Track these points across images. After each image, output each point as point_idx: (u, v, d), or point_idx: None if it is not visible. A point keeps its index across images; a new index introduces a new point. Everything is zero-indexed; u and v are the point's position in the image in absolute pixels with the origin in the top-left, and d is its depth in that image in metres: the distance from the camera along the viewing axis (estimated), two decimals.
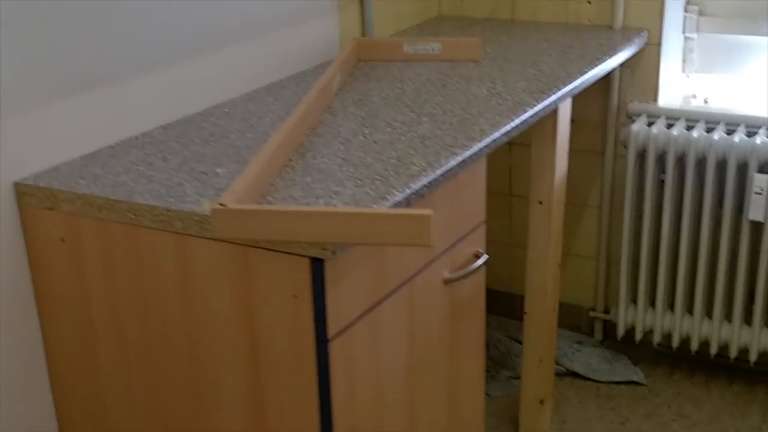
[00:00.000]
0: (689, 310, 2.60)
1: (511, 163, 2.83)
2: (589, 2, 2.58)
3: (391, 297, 1.53)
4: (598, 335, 2.84)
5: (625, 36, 2.48)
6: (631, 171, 2.53)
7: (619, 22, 2.55)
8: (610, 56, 2.28)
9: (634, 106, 2.59)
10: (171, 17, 1.80)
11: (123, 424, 1.61)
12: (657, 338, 2.64)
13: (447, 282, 1.70)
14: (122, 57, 1.71)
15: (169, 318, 1.48)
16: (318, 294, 1.35)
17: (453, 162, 1.59)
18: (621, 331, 2.68)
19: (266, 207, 1.30)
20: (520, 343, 2.71)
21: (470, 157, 1.64)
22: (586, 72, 2.14)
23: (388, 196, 1.44)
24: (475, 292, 1.82)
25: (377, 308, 1.50)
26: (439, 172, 1.55)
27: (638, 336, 2.66)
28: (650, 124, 2.51)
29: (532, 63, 2.22)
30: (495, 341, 2.77)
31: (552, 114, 2.13)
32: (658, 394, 2.59)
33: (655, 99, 2.59)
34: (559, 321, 2.65)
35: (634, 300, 2.66)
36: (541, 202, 2.20)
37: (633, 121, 2.55)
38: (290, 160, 1.61)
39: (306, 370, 1.39)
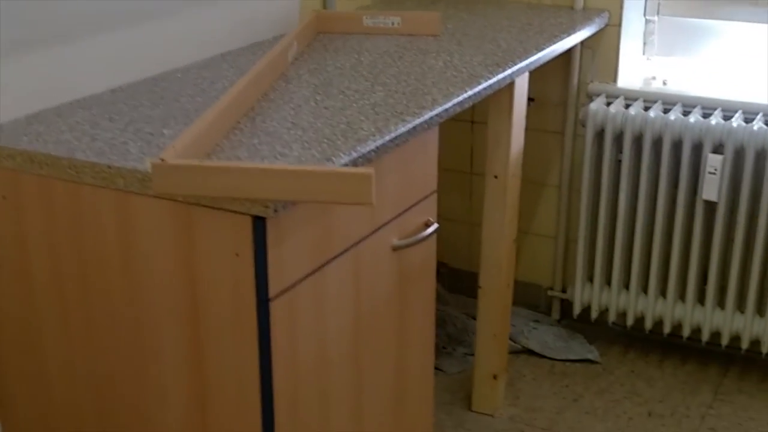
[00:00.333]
0: (644, 289, 2.62)
1: (473, 142, 2.84)
2: None
3: (337, 260, 1.54)
4: (556, 314, 2.85)
5: (586, 16, 2.49)
6: (589, 150, 2.54)
7: (580, 2, 2.57)
8: (569, 34, 2.29)
9: (594, 86, 2.61)
10: None
11: (61, 381, 1.60)
12: (612, 317, 2.66)
13: (395, 249, 1.71)
14: (71, 18, 1.69)
15: (109, 276, 1.48)
16: (260, 253, 1.35)
17: (402, 128, 1.59)
18: (577, 310, 2.69)
19: (205, 163, 1.30)
20: None
21: (420, 125, 1.64)
22: (543, 48, 2.15)
23: (334, 159, 1.44)
24: (425, 261, 1.82)
25: (322, 270, 1.50)
26: (387, 137, 1.55)
27: (594, 314, 2.68)
28: (609, 104, 2.52)
29: (491, 39, 2.22)
30: (452, 318, 2.78)
31: (508, 89, 2.13)
32: (612, 372, 2.61)
33: (614, 80, 2.60)
34: (516, 300, 2.67)
35: (590, 279, 2.68)
36: (496, 177, 2.21)
37: (592, 101, 2.56)
38: (239, 123, 1.60)
39: (247, 329, 1.39)
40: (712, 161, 2.37)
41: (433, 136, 1.79)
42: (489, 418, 2.42)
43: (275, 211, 1.32)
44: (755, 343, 2.53)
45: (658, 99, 2.51)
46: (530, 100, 2.57)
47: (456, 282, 2.96)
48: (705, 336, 2.56)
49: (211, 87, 1.81)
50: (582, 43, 2.58)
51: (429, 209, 1.82)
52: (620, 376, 2.59)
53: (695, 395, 2.51)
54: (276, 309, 1.39)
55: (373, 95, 1.76)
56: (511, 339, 2.67)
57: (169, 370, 1.49)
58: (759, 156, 2.37)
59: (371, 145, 1.51)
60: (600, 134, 2.53)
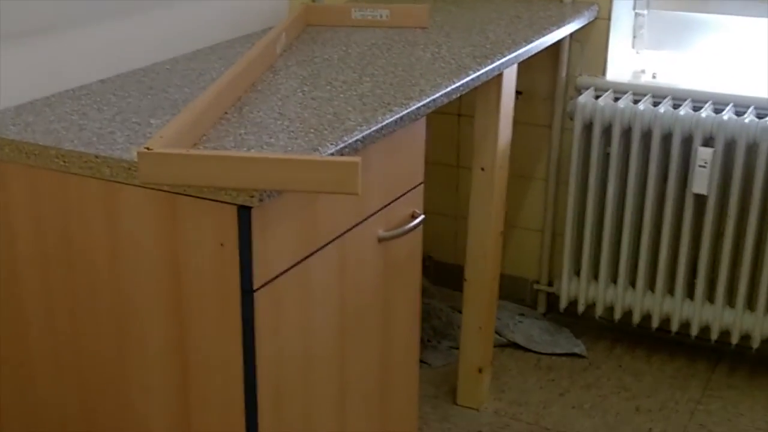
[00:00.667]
0: (632, 283, 2.62)
1: (459, 135, 2.83)
2: None
3: (323, 250, 1.53)
4: (542, 308, 2.86)
5: (575, 9, 2.49)
6: (577, 143, 2.54)
7: None
8: (558, 27, 2.29)
9: (583, 79, 2.61)
10: None
11: (45, 372, 1.60)
12: (599, 311, 2.66)
13: (381, 240, 1.70)
14: (61, 9, 1.68)
15: (95, 266, 1.47)
16: (244, 242, 1.35)
17: (389, 119, 1.59)
18: (564, 304, 2.69)
19: (192, 152, 1.29)
20: None
21: (407, 115, 1.64)
22: (532, 41, 2.14)
23: (320, 148, 1.44)
24: (410, 253, 1.82)
25: (307, 261, 1.49)
26: (374, 127, 1.55)
27: (581, 309, 2.68)
28: (597, 98, 2.52)
29: (480, 31, 2.22)
30: (437, 311, 2.78)
31: (496, 81, 2.13)
32: (599, 367, 2.62)
33: (603, 73, 2.60)
34: (503, 293, 2.67)
35: (577, 272, 2.68)
36: (483, 169, 2.21)
37: (580, 94, 2.56)
38: (226, 113, 1.60)
39: (231, 319, 1.39)
40: (703, 154, 2.37)
41: (420, 128, 1.78)
42: (474, 412, 2.42)
43: (260, 200, 1.31)
44: (745, 337, 2.54)
45: (648, 92, 2.51)
46: (518, 93, 2.57)
47: (441, 275, 2.96)
48: (694, 330, 2.56)
49: (199, 78, 1.80)
50: (571, 36, 2.58)
51: (415, 201, 1.81)
52: (607, 371, 2.60)
53: (684, 390, 2.51)
54: (260, 300, 1.39)
55: (361, 86, 1.76)
56: (496, 332, 2.68)
57: (154, 360, 1.48)
58: (750, 149, 2.37)
59: (358, 135, 1.51)
60: (588, 127, 2.53)
